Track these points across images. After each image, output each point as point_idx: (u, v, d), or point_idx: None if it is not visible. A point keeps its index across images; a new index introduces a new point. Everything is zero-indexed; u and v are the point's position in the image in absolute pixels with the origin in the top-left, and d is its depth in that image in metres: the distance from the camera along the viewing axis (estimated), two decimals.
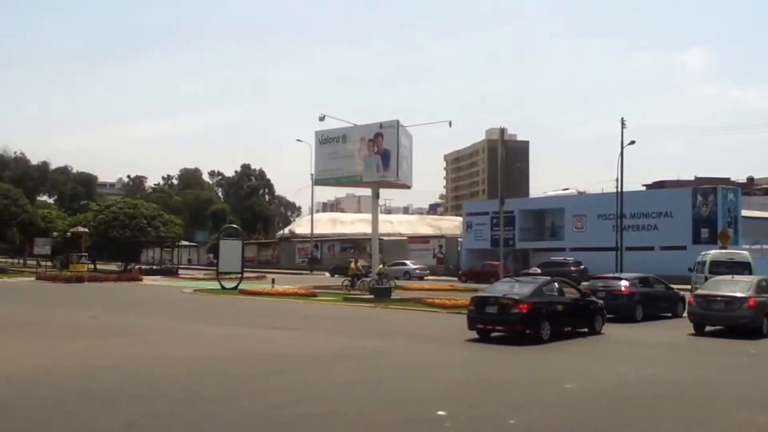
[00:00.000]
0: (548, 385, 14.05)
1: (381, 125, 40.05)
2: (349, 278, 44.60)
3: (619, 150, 51.84)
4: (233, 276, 47.86)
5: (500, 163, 37.07)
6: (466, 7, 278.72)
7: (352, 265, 46.22)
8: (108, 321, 26.28)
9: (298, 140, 74.21)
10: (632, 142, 51.93)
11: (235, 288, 44.29)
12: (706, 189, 61.95)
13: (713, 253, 39.72)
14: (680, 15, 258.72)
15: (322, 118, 42.52)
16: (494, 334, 21.29)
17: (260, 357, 17.41)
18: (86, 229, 62.62)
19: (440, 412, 11.32)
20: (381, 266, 44.38)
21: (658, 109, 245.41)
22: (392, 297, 37.10)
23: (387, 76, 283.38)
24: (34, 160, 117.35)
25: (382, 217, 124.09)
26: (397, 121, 39.60)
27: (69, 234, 65.93)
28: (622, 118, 51.03)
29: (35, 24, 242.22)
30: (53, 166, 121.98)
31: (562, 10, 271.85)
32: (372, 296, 36.98)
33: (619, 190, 53.71)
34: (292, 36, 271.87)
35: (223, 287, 44.90)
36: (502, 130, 35.81)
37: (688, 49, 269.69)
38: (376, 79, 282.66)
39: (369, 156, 40.12)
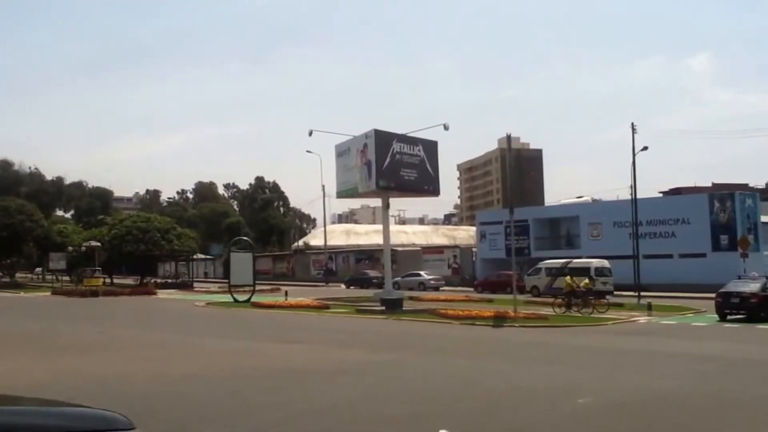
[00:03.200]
0: (561, 399, 13.54)
1: (366, 135, 39.52)
2: (564, 296, 37.46)
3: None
4: (246, 289, 47.15)
5: (508, 170, 36.61)
6: (478, 15, 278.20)
7: (567, 279, 38.51)
8: (115, 336, 25.91)
9: (308, 151, 73.64)
10: (645, 148, 51.10)
11: (248, 301, 43.87)
12: (723, 195, 61.11)
13: (595, 261, 52.87)
14: (684, 20, 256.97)
15: (310, 134, 42.63)
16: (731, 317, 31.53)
17: (263, 372, 16.97)
18: (98, 244, 62.32)
19: (443, 431, 10.78)
20: (587, 280, 38.90)
21: (672, 115, 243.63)
22: (405, 308, 36.70)
23: (399, 85, 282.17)
24: (49, 176, 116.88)
25: (397, 227, 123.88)
26: (374, 130, 39.02)
27: (84, 248, 65.80)
28: (633, 124, 50.19)
29: (43, 37, 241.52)
30: (68, 181, 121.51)
31: (570, 19, 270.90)
32: (384, 308, 36.53)
33: (634, 196, 52.92)
34: (304, 46, 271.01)
35: (235, 300, 44.54)
36: (509, 137, 35.09)
37: (695, 55, 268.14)
38: (388, 88, 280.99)
39: (361, 167, 39.67)
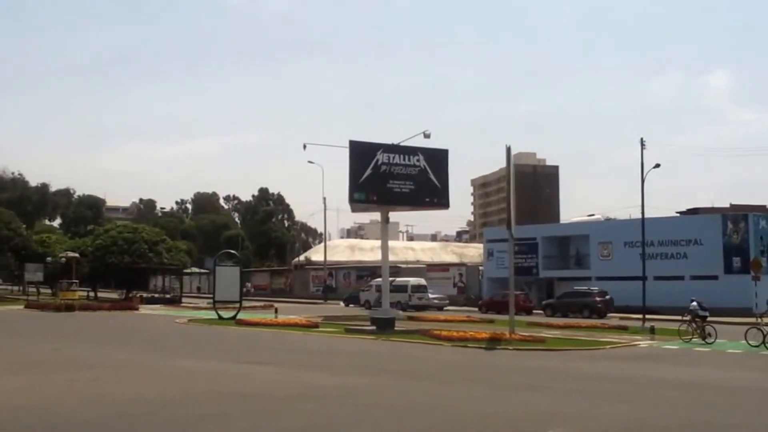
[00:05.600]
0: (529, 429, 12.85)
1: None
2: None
3: (647, 173, 49.02)
4: (233, 305, 45.11)
5: (507, 184, 34.43)
6: (496, 29, 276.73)
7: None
8: (71, 354, 24.25)
9: (310, 162, 70.85)
10: (657, 165, 49.04)
11: (233, 318, 41.90)
12: (736, 216, 59.36)
13: (413, 280, 65.15)
14: (701, 36, 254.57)
15: (304, 147, 41.85)
16: None
17: (214, 396, 15.58)
18: (76, 254, 60.24)
19: None
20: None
21: (694, 133, 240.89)
22: (397, 329, 35.04)
23: (412, 98, 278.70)
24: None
25: (403, 244, 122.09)
26: (349, 141, 37.43)
27: (63, 259, 63.37)
28: (642, 139, 48.19)
29: (42, 38, 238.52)
30: (54, 188, 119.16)
31: (583, 34, 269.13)
32: (374, 328, 34.91)
33: (642, 216, 50.88)
34: (316, 54, 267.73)
35: (220, 317, 42.47)
36: (509, 150, 32.96)
37: (713, 71, 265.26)
38: (401, 101, 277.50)
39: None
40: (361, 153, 36.81)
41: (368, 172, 36.40)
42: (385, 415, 13.88)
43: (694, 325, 31.78)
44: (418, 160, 37.86)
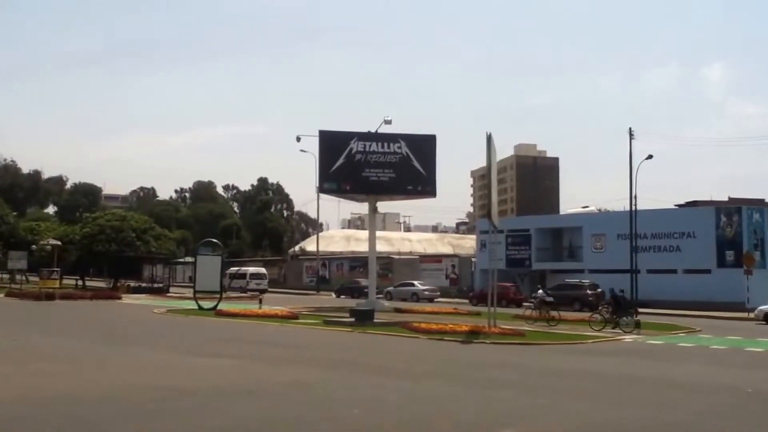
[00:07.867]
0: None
1: None
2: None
3: (639, 164, 48.60)
4: (215, 295, 44.03)
5: (488, 173, 33.57)
6: (495, 22, 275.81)
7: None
8: (27, 345, 23.54)
9: (303, 150, 69.76)
10: (650, 157, 48.65)
11: (213, 308, 40.99)
12: (730, 209, 58.66)
13: (252, 269, 79.06)
14: (697, 29, 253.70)
15: (298, 140, 41.41)
16: None
17: (154, 392, 14.78)
18: (58, 242, 59.41)
19: None
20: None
21: (694, 126, 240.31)
22: (376, 321, 34.39)
23: (412, 90, 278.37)
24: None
25: (401, 234, 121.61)
26: (318, 131, 36.79)
27: (49, 247, 62.73)
28: (630, 129, 47.69)
29: (39, 28, 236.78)
30: (49, 175, 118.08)
31: (583, 27, 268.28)
32: (354, 320, 34.27)
33: (631, 208, 50.29)
34: (312, 46, 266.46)
35: (200, 307, 41.57)
36: (489, 137, 32.17)
37: (710, 65, 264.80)
38: (406, 90, 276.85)
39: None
40: (332, 142, 36.24)
41: (341, 161, 35.82)
42: (328, 413, 13.18)
43: (539, 310, 35.73)
44: (399, 147, 37.10)
